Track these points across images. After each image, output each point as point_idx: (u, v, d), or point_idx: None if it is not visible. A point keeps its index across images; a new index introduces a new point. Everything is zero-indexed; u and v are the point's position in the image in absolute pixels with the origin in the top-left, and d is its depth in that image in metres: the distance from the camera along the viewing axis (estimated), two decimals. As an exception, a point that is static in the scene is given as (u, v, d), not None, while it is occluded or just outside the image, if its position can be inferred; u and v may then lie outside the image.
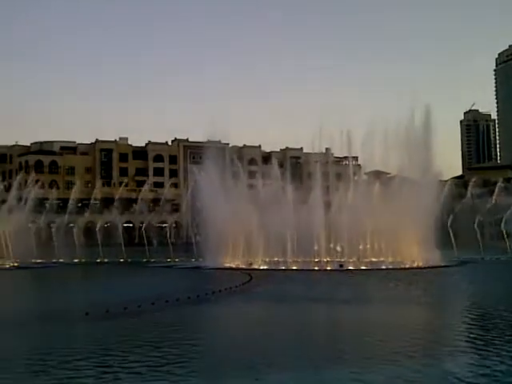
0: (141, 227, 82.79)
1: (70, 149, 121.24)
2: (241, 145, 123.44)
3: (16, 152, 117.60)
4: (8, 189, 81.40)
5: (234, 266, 53.02)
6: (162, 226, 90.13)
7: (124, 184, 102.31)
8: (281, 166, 78.13)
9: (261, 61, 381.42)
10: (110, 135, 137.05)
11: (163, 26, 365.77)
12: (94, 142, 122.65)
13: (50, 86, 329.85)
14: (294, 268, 51.25)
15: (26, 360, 15.33)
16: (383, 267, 50.89)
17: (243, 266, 52.61)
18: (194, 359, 15.22)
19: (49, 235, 72.87)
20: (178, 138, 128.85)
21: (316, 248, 55.30)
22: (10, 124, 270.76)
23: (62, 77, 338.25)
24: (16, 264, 59.77)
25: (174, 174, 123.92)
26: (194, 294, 28.57)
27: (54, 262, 63.14)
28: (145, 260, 66.78)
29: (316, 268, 51.32)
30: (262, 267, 52.47)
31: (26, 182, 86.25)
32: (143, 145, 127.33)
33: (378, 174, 64.73)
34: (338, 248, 57.00)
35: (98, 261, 67.37)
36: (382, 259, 55.28)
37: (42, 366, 14.14)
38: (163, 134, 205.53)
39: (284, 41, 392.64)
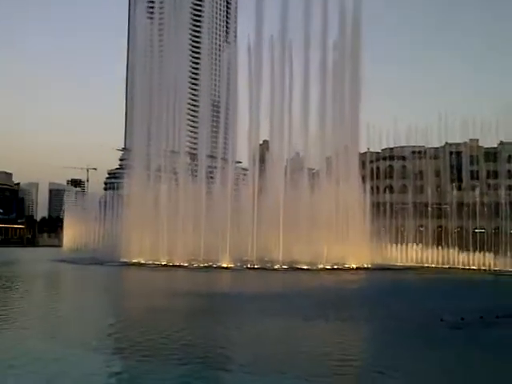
0: (493, 233, 79.24)
1: (419, 153, 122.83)
2: None
3: (368, 158, 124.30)
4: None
5: None
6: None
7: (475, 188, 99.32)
8: None
9: None
10: (459, 137, 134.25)
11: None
12: (443, 145, 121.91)
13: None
14: None
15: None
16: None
17: None
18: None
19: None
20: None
21: None
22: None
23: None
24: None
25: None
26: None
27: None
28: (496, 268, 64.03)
29: None
30: None
31: (378, 187, 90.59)
32: (495, 145, 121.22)
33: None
34: None
35: (447, 267, 66.96)
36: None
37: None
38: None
39: None
